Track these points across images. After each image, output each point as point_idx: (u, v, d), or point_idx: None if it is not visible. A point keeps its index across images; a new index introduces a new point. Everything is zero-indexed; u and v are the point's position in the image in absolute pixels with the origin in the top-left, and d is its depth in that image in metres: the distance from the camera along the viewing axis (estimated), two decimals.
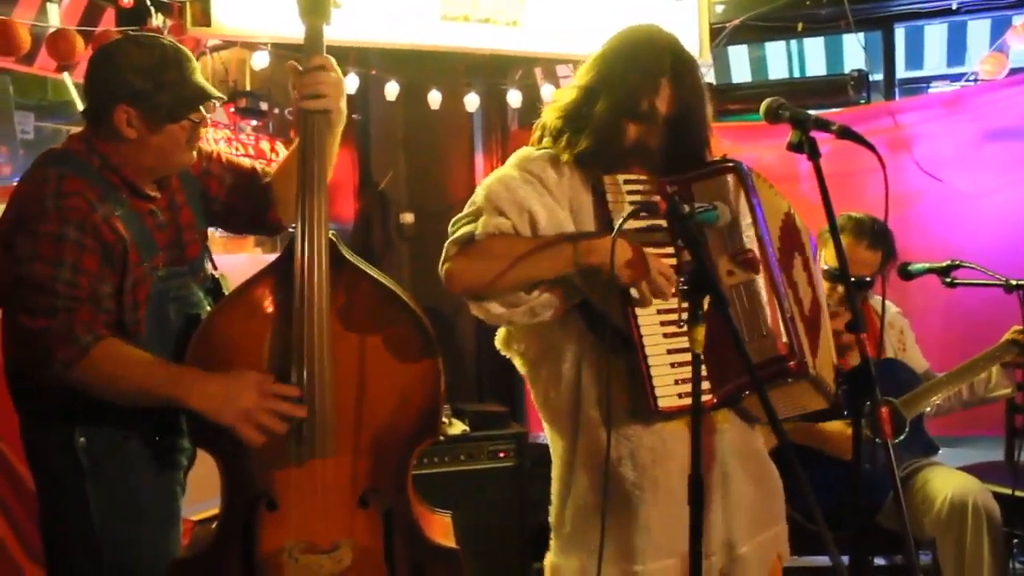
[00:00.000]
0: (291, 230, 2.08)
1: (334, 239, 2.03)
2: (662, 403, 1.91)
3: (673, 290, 1.90)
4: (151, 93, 1.98)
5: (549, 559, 2.13)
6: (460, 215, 2.03)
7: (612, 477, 1.95)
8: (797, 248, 2.11)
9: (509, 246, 1.92)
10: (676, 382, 1.92)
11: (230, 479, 2.06)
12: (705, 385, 1.88)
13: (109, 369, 1.94)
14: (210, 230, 2.35)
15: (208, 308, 2.16)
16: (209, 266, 2.25)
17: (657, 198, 1.83)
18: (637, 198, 1.99)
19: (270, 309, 2.03)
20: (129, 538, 2.09)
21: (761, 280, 1.96)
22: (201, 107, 2.06)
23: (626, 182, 2.00)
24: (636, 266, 1.89)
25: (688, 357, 1.80)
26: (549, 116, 2.09)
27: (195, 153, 2.13)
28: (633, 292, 1.93)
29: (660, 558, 1.99)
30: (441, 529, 2.21)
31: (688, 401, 1.80)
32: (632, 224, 1.92)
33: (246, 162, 2.33)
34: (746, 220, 1.98)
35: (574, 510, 2.07)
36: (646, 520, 1.98)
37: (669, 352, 1.93)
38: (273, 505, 2.03)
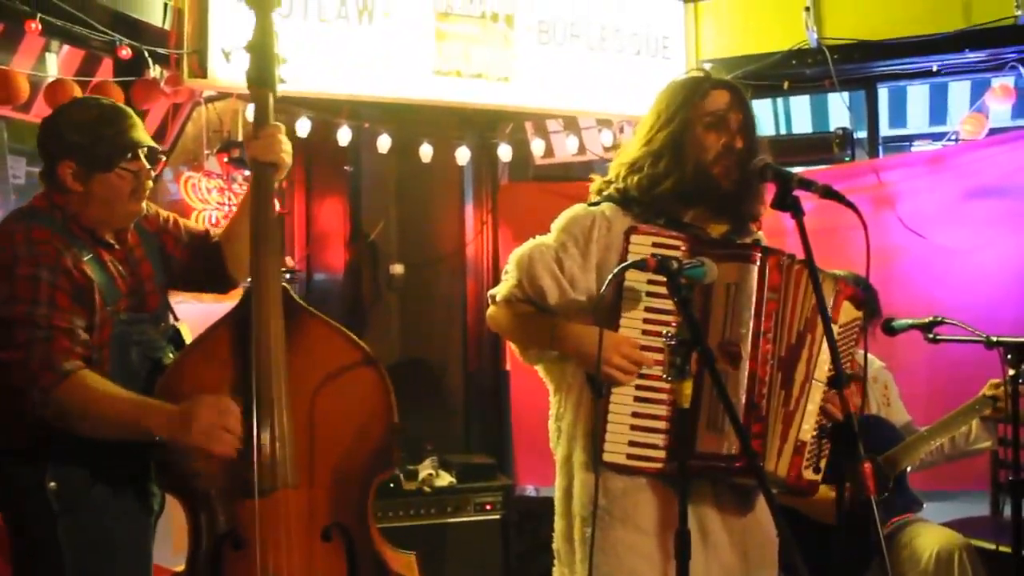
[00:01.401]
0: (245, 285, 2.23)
1: (286, 286, 2.20)
2: (606, 457, 2.02)
3: (632, 378, 2.00)
4: (88, 147, 2.14)
5: None
6: (507, 266, 2.22)
7: (590, 503, 2.03)
8: (816, 331, 2.05)
9: (513, 314, 2.17)
10: (630, 443, 2.01)
11: (196, 521, 2.14)
12: (659, 453, 1.99)
13: (84, 398, 2.04)
14: None
15: (170, 355, 2.27)
16: (170, 317, 2.37)
17: (649, 255, 1.88)
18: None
19: (230, 353, 2.16)
20: None
21: (740, 374, 1.99)
22: (141, 159, 2.19)
23: (654, 244, 2.03)
24: (600, 355, 1.96)
25: (651, 424, 1.98)
26: (628, 156, 2.17)
27: (144, 205, 2.26)
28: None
29: None
30: (405, 564, 2.29)
31: (635, 463, 1.99)
32: (637, 281, 1.99)
33: (199, 225, 2.50)
34: (748, 313, 2.00)
35: (566, 534, 2.14)
36: (613, 544, 2.04)
37: (634, 415, 2.01)
38: (239, 544, 2.11)
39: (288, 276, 4.84)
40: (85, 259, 2.12)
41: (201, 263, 2.40)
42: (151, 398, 2.11)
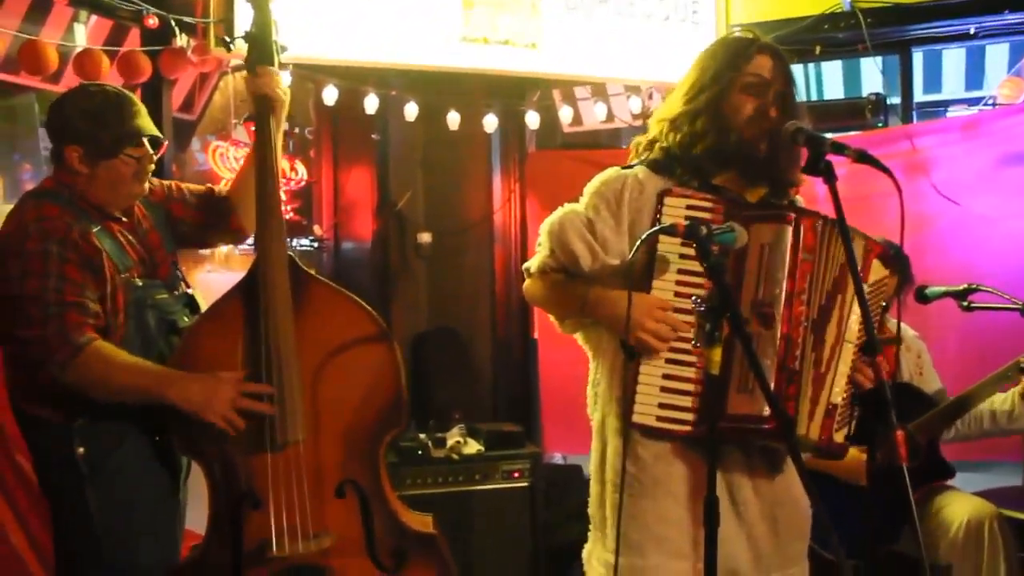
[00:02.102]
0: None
1: (291, 255, 2.32)
2: (636, 418, 2.02)
3: (666, 346, 1.99)
4: (93, 133, 2.26)
5: (586, 548, 2.22)
6: (539, 237, 2.21)
7: (621, 471, 2.03)
8: (847, 291, 2.05)
9: (548, 285, 2.17)
10: (660, 405, 2.00)
11: (214, 482, 2.26)
12: (688, 415, 1.98)
13: (100, 368, 2.16)
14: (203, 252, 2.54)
15: (185, 318, 2.40)
16: (183, 285, 2.47)
17: (679, 220, 1.86)
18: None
19: (242, 316, 2.27)
20: (128, 537, 2.26)
21: (772, 336, 1.96)
22: (144, 145, 2.32)
23: (688, 207, 2.02)
24: (630, 322, 1.95)
25: (682, 386, 1.97)
26: (668, 112, 2.14)
27: (146, 186, 2.39)
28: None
29: (664, 555, 2.03)
30: (421, 523, 2.38)
31: (665, 425, 1.98)
32: (670, 245, 1.98)
33: (199, 185, 2.63)
34: (782, 273, 1.97)
35: (600, 499, 2.15)
36: (643, 513, 2.04)
37: (664, 378, 2.00)
38: (256, 503, 2.22)
39: (316, 244, 4.88)
40: (94, 231, 2.24)
41: (212, 218, 2.53)
42: (168, 365, 2.24)
